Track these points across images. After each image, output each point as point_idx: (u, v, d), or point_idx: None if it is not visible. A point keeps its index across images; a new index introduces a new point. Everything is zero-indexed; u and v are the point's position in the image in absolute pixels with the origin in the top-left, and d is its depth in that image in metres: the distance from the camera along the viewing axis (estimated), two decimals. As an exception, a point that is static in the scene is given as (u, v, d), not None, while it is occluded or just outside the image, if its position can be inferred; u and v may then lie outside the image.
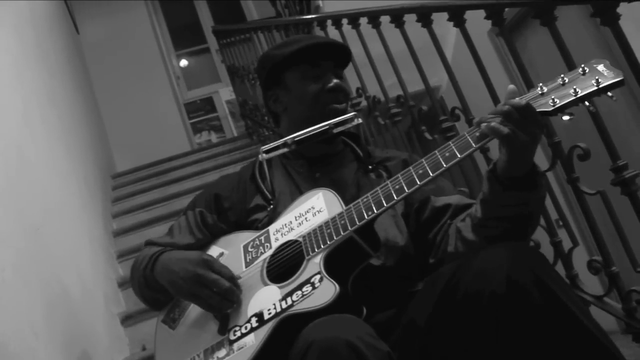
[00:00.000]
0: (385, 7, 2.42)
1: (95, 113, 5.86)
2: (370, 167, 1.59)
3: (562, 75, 1.18)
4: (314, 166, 1.61)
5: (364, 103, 2.88)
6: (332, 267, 1.31)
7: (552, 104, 1.16)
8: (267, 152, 1.56)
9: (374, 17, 2.52)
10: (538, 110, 1.17)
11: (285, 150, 1.55)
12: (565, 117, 1.17)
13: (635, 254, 1.59)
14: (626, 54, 1.55)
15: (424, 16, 2.19)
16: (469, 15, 1.99)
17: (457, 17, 2.03)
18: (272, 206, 1.55)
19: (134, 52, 6.84)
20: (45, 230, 2.14)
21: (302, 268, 1.34)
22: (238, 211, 1.60)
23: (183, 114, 7.18)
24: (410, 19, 2.31)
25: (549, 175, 1.72)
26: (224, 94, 7.33)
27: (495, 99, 1.93)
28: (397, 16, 2.35)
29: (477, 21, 2.03)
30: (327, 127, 1.53)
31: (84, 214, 3.14)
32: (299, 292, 1.28)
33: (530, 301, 1.06)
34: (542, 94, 1.18)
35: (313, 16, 3.93)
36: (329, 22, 2.95)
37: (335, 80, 1.59)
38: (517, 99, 1.18)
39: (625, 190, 1.56)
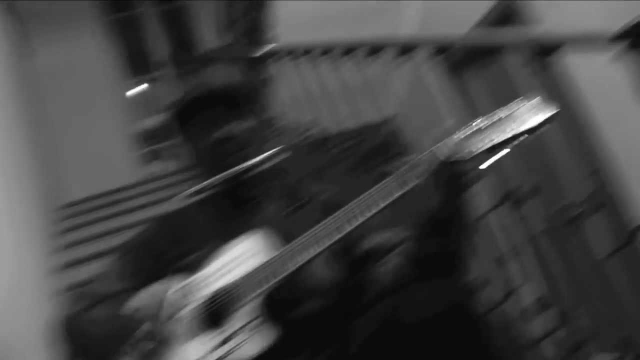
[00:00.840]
0: (338, 42, 2.43)
1: (48, 141, 5.72)
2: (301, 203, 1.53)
3: (479, 122, 1.17)
4: (242, 205, 1.54)
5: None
6: (269, 307, 1.28)
7: (468, 153, 1.15)
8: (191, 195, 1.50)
9: (325, 51, 2.52)
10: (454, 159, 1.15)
11: (204, 194, 1.49)
12: (483, 166, 1.15)
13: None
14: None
15: (375, 50, 2.21)
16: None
17: (405, 53, 2.05)
18: (193, 258, 1.46)
19: (87, 79, 6.71)
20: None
21: (234, 317, 1.29)
22: (165, 262, 1.50)
23: (137, 142, 7.08)
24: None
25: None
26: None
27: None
28: (350, 50, 2.36)
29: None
30: (242, 169, 1.46)
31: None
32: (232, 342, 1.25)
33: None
34: (460, 141, 1.17)
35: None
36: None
37: (224, 130, 1.49)
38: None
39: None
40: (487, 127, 1.15)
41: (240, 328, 1.25)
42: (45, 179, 4.87)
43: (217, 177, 1.46)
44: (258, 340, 1.21)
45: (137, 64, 7.54)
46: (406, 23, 4.77)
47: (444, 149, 1.17)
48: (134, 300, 1.47)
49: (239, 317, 1.28)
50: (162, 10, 7.77)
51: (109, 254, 3.63)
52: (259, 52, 3.83)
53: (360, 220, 1.22)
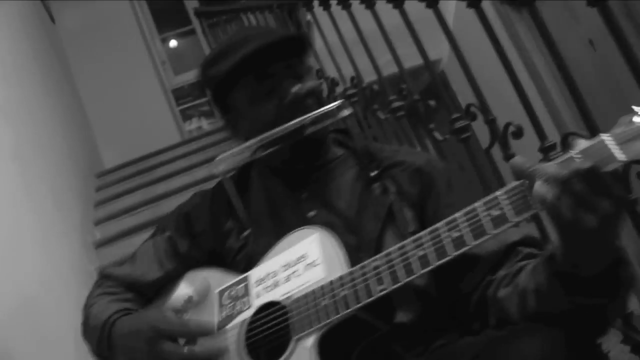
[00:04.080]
0: None
1: (78, 108, 5.53)
2: (372, 175, 1.22)
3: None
4: (300, 183, 1.27)
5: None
6: (327, 349, 1.00)
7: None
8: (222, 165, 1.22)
9: None
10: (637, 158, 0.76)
11: (246, 159, 1.21)
12: None
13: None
14: None
15: None
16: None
17: None
18: (246, 233, 1.24)
19: (116, 38, 6.43)
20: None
21: (288, 350, 1.02)
22: (212, 236, 1.29)
23: (171, 101, 6.82)
24: None
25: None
26: (214, 77, 6.95)
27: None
28: None
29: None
30: (300, 124, 1.17)
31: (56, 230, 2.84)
32: None
33: None
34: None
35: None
36: (316, 3, 2.63)
37: (294, 89, 1.22)
38: (577, 161, 0.77)
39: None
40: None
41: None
42: (80, 146, 4.68)
43: (281, 128, 1.17)
44: None
45: (168, 18, 7.23)
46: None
47: (622, 136, 0.76)
48: (180, 289, 1.28)
49: (295, 356, 1.02)
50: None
51: (149, 227, 3.51)
52: (288, 2, 3.49)
53: (470, 246, 0.90)
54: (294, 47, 1.26)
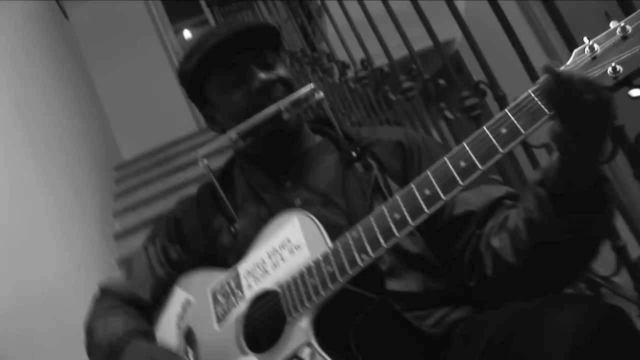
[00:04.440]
0: None
1: (94, 102, 5.58)
2: (354, 154, 1.23)
3: (620, 24, 0.78)
4: (283, 173, 1.27)
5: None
6: (325, 326, 1.01)
7: (612, 74, 0.77)
8: (207, 156, 1.23)
9: None
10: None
11: (229, 147, 1.22)
12: (635, 93, 0.78)
13: None
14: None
15: None
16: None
17: None
18: (234, 228, 1.24)
19: (129, 30, 6.46)
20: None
21: (284, 334, 1.03)
22: (202, 238, 1.30)
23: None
24: None
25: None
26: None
27: (520, 62, 1.58)
28: None
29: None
30: (278, 111, 1.18)
31: (77, 222, 2.88)
32: None
33: None
34: (594, 58, 0.80)
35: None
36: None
37: (260, 76, 1.23)
38: (561, 67, 0.82)
39: None
40: (632, 35, 0.77)
41: (293, 355, 0.99)
42: (98, 143, 4.73)
43: (257, 117, 1.19)
44: None
45: (181, 8, 7.23)
46: None
47: (576, 70, 0.81)
48: (175, 295, 1.29)
49: (292, 338, 1.02)
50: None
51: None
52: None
53: (453, 192, 0.90)
54: (263, 37, 1.28)
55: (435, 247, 1.16)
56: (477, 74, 1.83)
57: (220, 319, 1.16)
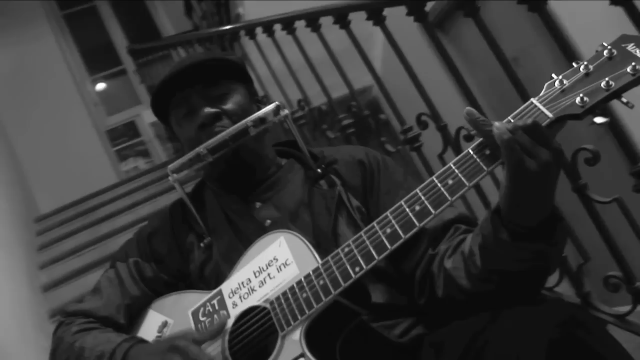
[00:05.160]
0: (299, 12, 2.27)
1: (10, 155, 5.37)
2: (319, 171, 1.29)
3: (582, 63, 0.91)
4: (251, 195, 1.31)
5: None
6: (314, 339, 1.04)
7: (580, 104, 0.89)
8: (176, 170, 1.26)
9: (288, 23, 2.35)
10: (565, 114, 0.90)
11: (199, 164, 1.25)
12: (599, 120, 0.88)
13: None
14: (557, 38, 1.47)
15: (341, 17, 2.05)
16: (398, 11, 1.81)
17: (375, 16, 1.90)
18: (206, 240, 1.26)
19: (45, 82, 6.32)
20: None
21: (277, 348, 1.05)
22: (177, 254, 1.30)
23: (105, 142, 6.71)
24: (328, 22, 2.14)
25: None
26: (147, 116, 6.89)
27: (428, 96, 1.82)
28: (312, 20, 2.19)
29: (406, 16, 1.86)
30: (244, 126, 1.22)
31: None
32: None
33: None
34: (563, 91, 0.91)
35: (227, 27, 3.71)
36: (243, 32, 2.81)
37: (204, 111, 1.27)
38: (522, 118, 0.91)
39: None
40: (593, 72, 0.90)
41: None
42: (17, 192, 4.54)
43: (211, 140, 1.23)
44: None
45: (98, 59, 7.14)
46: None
47: (547, 102, 0.91)
48: (149, 317, 1.28)
49: (285, 351, 1.05)
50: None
51: (98, 266, 3.44)
52: (221, 33, 3.59)
53: (433, 214, 0.97)
54: (218, 70, 1.32)
55: (392, 262, 1.21)
56: (394, 120, 2.03)
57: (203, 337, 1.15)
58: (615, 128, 1.42)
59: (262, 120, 1.23)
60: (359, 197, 1.26)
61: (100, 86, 7.24)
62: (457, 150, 1.78)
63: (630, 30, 1.34)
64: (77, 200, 4.89)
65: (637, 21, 1.34)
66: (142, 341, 1.22)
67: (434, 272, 1.13)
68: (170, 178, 1.26)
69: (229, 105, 1.30)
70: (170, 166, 1.27)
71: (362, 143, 2.41)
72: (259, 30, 2.65)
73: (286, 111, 1.26)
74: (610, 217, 1.46)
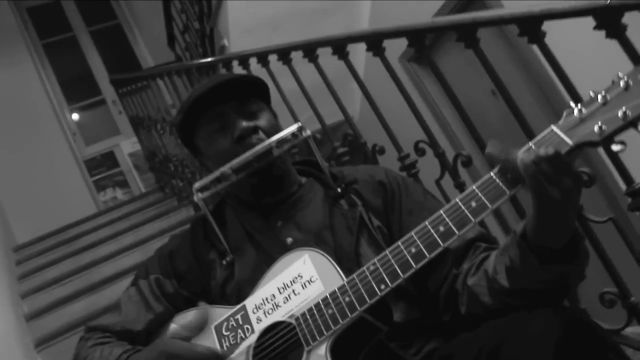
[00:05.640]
0: (296, 43, 2.36)
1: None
2: (339, 190, 1.32)
3: (600, 92, 0.96)
4: (273, 214, 1.35)
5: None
6: (338, 354, 1.08)
7: (598, 132, 0.94)
8: (201, 189, 1.29)
9: (284, 54, 2.43)
10: (584, 141, 0.95)
11: (225, 184, 1.28)
12: (616, 148, 0.93)
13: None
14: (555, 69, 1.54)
15: (339, 48, 2.15)
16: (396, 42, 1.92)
17: (375, 47, 1.98)
18: (228, 258, 1.29)
19: (25, 110, 6.28)
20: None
21: None
22: (198, 271, 1.33)
23: (84, 172, 6.66)
24: (324, 52, 2.24)
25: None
26: (126, 146, 6.88)
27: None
28: (309, 51, 2.28)
29: (388, 49, 2.00)
30: (268, 147, 1.26)
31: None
32: None
33: None
34: (582, 120, 0.96)
35: (218, 58, 3.74)
36: (236, 62, 2.86)
37: (241, 124, 1.31)
38: (542, 148, 0.95)
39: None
40: (611, 101, 0.94)
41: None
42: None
43: (236, 160, 1.27)
44: None
45: (77, 89, 7.12)
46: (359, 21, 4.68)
47: (566, 128, 0.96)
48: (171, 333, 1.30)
49: None
50: (97, 30, 7.39)
51: (82, 295, 3.40)
52: (207, 63, 3.61)
53: (457, 235, 1.03)
54: (248, 88, 1.37)
55: (414, 281, 1.24)
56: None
57: (226, 352, 1.19)
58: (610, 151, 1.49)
59: (283, 141, 1.28)
60: (379, 217, 1.30)
61: (79, 116, 7.21)
62: (455, 175, 1.84)
63: (624, 61, 1.42)
64: (57, 230, 4.84)
65: (631, 54, 1.42)
66: (139, 350, 1.26)
67: (458, 290, 1.17)
68: (195, 197, 1.29)
69: (262, 122, 1.34)
70: (196, 185, 1.29)
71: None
72: (252, 60, 2.70)
73: (308, 132, 1.30)
74: (604, 236, 1.53)
